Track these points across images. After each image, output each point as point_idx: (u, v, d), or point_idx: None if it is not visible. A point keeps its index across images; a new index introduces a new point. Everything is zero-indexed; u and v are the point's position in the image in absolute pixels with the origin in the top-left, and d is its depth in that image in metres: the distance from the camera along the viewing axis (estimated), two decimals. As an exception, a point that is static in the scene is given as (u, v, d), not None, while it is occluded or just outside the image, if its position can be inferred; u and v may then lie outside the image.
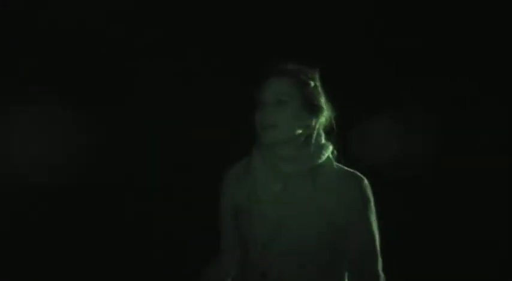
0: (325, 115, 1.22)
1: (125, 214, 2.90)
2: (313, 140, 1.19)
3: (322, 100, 1.21)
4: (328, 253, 1.16)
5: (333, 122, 1.23)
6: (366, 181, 1.18)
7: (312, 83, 1.19)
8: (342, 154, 1.25)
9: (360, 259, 1.16)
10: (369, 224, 1.16)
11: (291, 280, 1.15)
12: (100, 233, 2.86)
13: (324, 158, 1.19)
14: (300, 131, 1.17)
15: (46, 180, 2.73)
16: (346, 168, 1.22)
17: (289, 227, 1.14)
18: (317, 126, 1.20)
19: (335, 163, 1.21)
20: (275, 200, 1.16)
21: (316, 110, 1.19)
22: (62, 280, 2.74)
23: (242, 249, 1.24)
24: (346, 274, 1.20)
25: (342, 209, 1.14)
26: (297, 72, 1.19)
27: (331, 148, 1.22)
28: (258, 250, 1.16)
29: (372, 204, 1.18)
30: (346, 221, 1.15)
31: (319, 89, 1.21)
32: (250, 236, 1.19)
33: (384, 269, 1.18)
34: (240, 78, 2.54)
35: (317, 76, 1.22)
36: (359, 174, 1.20)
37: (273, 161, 1.19)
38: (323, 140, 1.22)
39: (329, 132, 1.24)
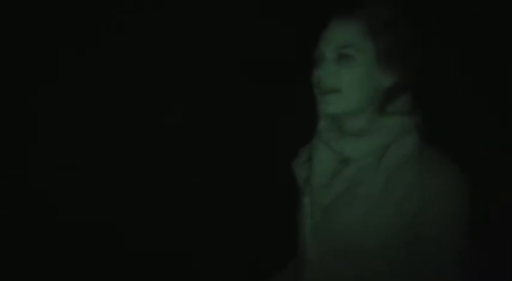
0: (413, 72, 0.88)
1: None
2: (392, 108, 0.87)
3: (409, 51, 0.86)
4: (389, 261, 0.83)
5: (426, 82, 0.89)
6: (459, 176, 0.82)
7: (393, 27, 0.86)
8: (434, 129, 0.89)
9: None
10: (450, 241, 0.81)
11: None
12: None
13: (402, 133, 0.86)
14: (373, 96, 0.86)
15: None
16: (434, 150, 0.86)
17: (339, 219, 0.86)
18: (401, 87, 0.87)
19: (420, 142, 0.86)
20: (328, 186, 0.89)
21: (399, 66, 0.86)
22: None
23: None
24: None
25: (414, 211, 0.81)
26: (369, 13, 0.86)
27: (415, 118, 0.88)
28: (303, 240, 0.93)
29: (462, 212, 0.81)
30: (419, 230, 0.81)
31: (405, 34, 0.86)
32: (299, 227, 0.95)
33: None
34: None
35: (400, 16, 0.87)
36: (451, 163, 0.83)
37: (333, 138, 0.90)
38: (407, 107, 0.88)
39: (419, 97, 0.89)
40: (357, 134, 0.88)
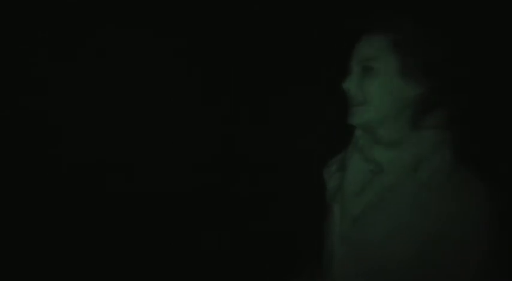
0: (443, 87, 0.89)
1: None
2: (425, 122, 0.89)
3: (435, 66, 0.88)
4: (414, 272, 0.84)
5: (457, 96, 0.91)
6: (491, 195, 0.83)
7: (417, 42, 0.87)
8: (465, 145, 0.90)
9: None
10: (468, 265, 0.82)
11: None
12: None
13: (435, 147, 0.87)
14: (400, 107, 0.88)
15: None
16: (468, 168, 0.87)
17: (369, 228, 0.89)
18: (431, 101, 0.89)
19: (454, 158, 0.88)
20: (359, 195, 0.92)
21: (424, 79, 0.87)
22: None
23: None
24: None
25: (443, 226, 0.82)
26: (395, 27, 0.89)
27: (449, 134, 0.89)
28: (331, 248, 0.95)
29: (492, 230, 0.82)
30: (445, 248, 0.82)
31: (431, 49, 0.88)
32: (327, 235, 0.97)
33: None
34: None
35: (428, 32, 0.89)
36: (483, 182, 0.85)
37: (367, 146, 0.93)
38: (441, 123, 0.90)
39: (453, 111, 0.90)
40: (390, 145, 0.90)
